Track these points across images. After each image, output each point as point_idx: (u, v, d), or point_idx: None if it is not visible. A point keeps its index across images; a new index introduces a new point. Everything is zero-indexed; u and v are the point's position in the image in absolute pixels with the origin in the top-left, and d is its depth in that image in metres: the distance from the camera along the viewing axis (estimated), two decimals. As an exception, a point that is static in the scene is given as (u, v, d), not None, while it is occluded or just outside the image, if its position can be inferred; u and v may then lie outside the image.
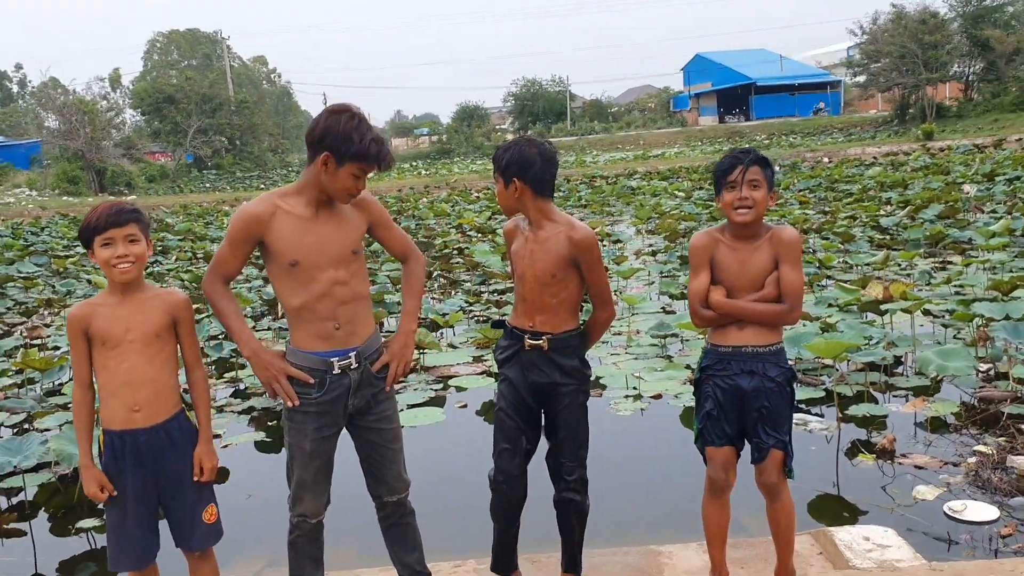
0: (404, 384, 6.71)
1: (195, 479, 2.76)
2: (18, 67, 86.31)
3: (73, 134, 39.64)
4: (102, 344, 2.68)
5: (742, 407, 2.89)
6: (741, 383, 2.87)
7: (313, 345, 2.75)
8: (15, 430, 5.97)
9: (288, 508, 2.89)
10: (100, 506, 2.78)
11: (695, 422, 3.02)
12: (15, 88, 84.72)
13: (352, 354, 2.78)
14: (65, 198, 35.68)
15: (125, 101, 50.92)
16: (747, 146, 2.96)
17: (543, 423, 3.09)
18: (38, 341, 8.87)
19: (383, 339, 2.95)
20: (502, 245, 12.19)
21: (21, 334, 9.44)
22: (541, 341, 2.96)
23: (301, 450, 2.81)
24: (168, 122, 49.29)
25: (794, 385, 2.97)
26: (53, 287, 12.77)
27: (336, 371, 2.76)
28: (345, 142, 2.63)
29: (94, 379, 2.74)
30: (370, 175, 2.74)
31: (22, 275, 14.00)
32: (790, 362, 3.00)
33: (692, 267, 2.97)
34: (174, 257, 15.61)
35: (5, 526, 4.62)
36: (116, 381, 2.68)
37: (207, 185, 45.12)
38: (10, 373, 6.94)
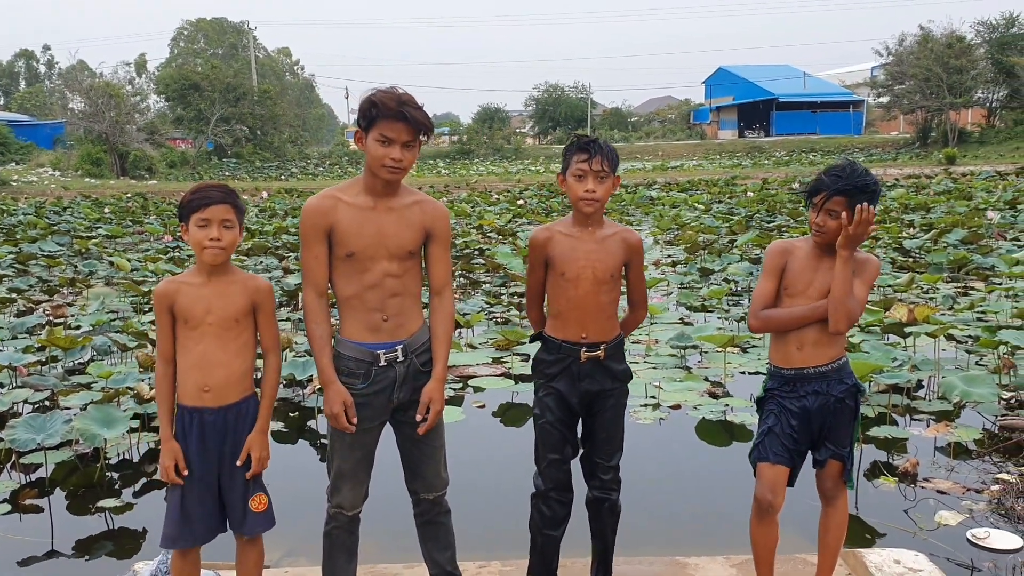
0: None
1: (239, 464, 2.75)
2: (46, 48, 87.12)
3: (98, 117, 39.86)
4: (184, 323, 2.71)
5: (808, 426, 2.89)
6: (807, 404, 2.87)
7: (361, 336, 2.75)
8: (37, 407, 6.01)
9: (326, 499, 2.88)
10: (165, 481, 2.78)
11: (755, 437, 3.01)
12: (42, 69, 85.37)
13: (399, 347, 2.77)
14: (87, 179, 35.93)
15: (150, 87, 51.25)
16: (855, 163, 2.92)
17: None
18: (61, 320, 8.93)
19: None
20: (524, 247, 12.20)
21: (44, 312, 9.50)
22: (599, 352, 2.97)
23: (342, 440, 2.80)
24: (191, 109, 49.55)
25: (859, 398, 2.96)
26: (75, 267, 12.84)
27: (383, 363, 2.75)
28: (367, 108, 2.62)
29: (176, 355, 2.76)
30: (406, 141, 2.64)
31: (45, 253, 14.08)
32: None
33: (762, 271, 2.98)
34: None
35: (23, 502, 4.64)
36: (190, 360, 2.71)
37: (226, 173, 45.27)
38: (33, 350, 6.97)
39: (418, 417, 2.80)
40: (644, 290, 3.16)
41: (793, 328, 2.86)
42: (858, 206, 2.71)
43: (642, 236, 3.42)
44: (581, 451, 3.11)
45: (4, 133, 43.98)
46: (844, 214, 2.74)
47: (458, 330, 8.33)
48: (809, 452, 2.96)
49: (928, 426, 5.55)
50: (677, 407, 6.01)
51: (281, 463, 5.39)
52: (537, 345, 3.14)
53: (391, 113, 2.59)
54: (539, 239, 3.01)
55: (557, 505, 3.04)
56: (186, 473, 2.71)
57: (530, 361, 3.26)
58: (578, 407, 3.02)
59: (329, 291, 2.79)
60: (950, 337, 7.38)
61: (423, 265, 2.88)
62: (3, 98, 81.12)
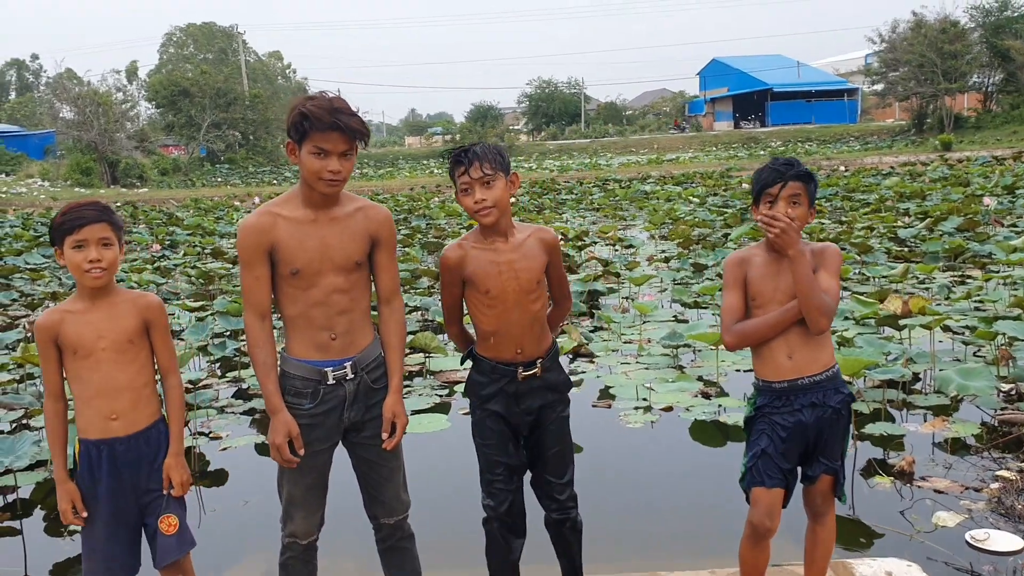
0: (409, 389, 6.58)
1: (164, 492, 2.62)
2: (34, 57, 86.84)
3: (87, 125, 39.69)
4: (73, 353, 2.55)
5: (803, 441, 2.74)
6: (803, 418, 2.70)
7: (307, 353, 2.61)
8: (13, 426, 5.87)
9: (280, 528, 2.75)
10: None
11: (744, 460, 2.84)
12: (31, 78, 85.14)
13: (348, 364, 2.62)
14: (77, 189, 35.72)
15: (141, 93, 51.05)
16: (790, 157, 2.80)
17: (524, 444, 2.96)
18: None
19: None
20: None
21: (24, 327, 9.35)
22: (535, 370, 2.82)
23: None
24: (182, 115, 49.33)
25: (851, 407, 2.83)
26: (59, 279, 12.66)
27: (331, 381, 2.61)
28: (299, 121, 2.47)
29: (66, 389, 2.62)
30: (343, 151, 2.50)
31: (29, 266, 13.92)
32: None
33: (724, 286, 2.82)
34: (182, 252, 15.51)
35: (-1, 524, 4.53)
36: (90, 390, 2.55)
37: (219, 179, 45.11)
38: (10, 368, 6.84)
39: (384, 435, 2.66)
40: (566, 284, 3.00)
41: (771, 336, 2.71)
42: (779, 213, 2.63)
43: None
44: (530, 473, 2.97)
45: (-7, 144, 43.78)
46: (791, 210, 2.64)
47: (445, 334, 8.19)
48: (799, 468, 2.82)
49: (925, 421, 5.41)
50: (669, 409, 5.87)
51: (265, 478, 5.27)
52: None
53: (324, 124, 2.44)
54: (452, 259, 2.82)
55: (509, 529, 2.91)
56: (85, 515, 2.58)
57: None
58: (520, 427, 2.87)
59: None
60: (946, 328, 7.23)
61: (371, 275, 2.73)
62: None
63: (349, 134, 2.49)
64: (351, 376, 2.64)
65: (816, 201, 2.79)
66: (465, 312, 2.95)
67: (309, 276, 2.56)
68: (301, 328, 2.61)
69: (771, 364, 2.74)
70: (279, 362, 2.67)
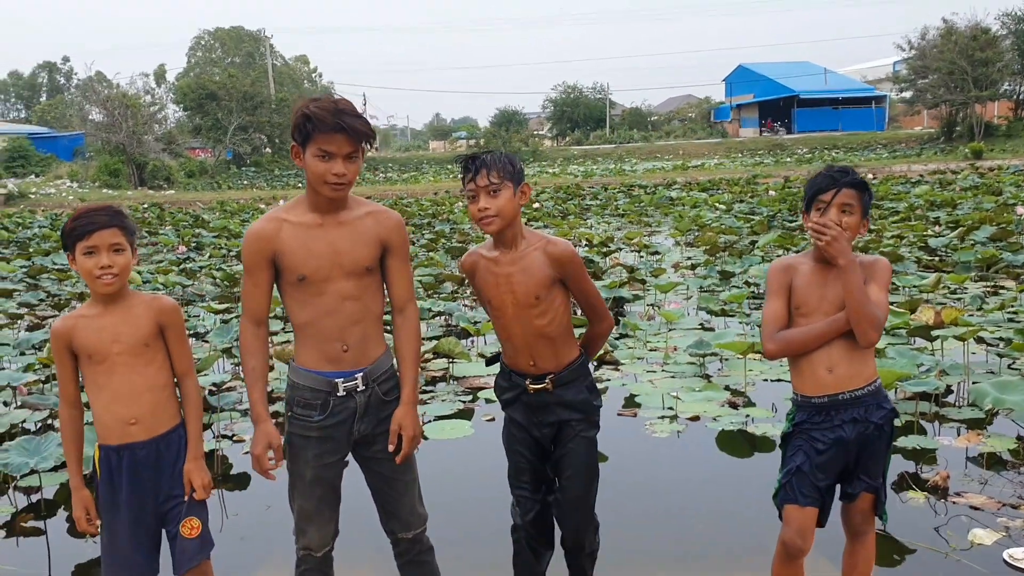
0: (432, 394, 6.54)
1: (185, 497, 2.60)
2: (65, 59, 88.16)
3: (115, 127, 40.14)
4: (88, 359, 2.53)
5: (843, 458, 2.65)
6: (844, 434, 2.61)
7: (317, 364, 2.55)
8: (39, 426, 5.89)
9: (294, 540, 2.71)
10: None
11: (779, 476, 2.77)
12: (62, 80, 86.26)
13: (359, 375, 2.57)
14: (105, 191, 36.09)
15: (169, 96, 51.53)
16: (846, 165, 2.72)
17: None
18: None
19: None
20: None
21: (50, 328, 9.39)
22: (545, 384, 2.76)
23: (302, 478, 2.62)
24: (209, 118, 49.78)
25: (894, 423, 2.74)
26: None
27: (341, 393, 2.55)
28: (302, 123, 2.43)
29: (82, 396, 2.60)
30: (348, 153, 2.45)
31: (56, 267, 14.02)
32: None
33: (768, 292, 2.75)
34: (208, 254, 15.59)
35: (23, 524, 4.51)
36: (107, 396, 2.53)
37: (245, 182, 45.43)
38: (36, 368, 6.86)
39: (390, 447, 2.60)
40: (596, 299, 2.89)
41: (814, 346, 2.62)
42: (830, 221, 2.55)
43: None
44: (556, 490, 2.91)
45: (24, 146, 44.33)
46: (843, 219, 2.55)
47: (469, 339, 8.15)
48: (838, 485, 2.74)
49: (959, 435, 5.29)
50: (696, 418, 5.79)
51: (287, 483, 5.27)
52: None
53: (328, 126, 2.39)
54: (465, 265, 2.83)
55: (535, 539, 2.85)
56: (98, 523, 2.57)
57: None
58: (542, 439, 2.81)
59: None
60: (980, 340, 7.10)
61: (384, 282, 2.67)
62: (25, 111, 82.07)
63: (353, 136, 2.43)
64: (362, 388, 2.58)
65: (868, 216, 2.70)
66: None
67: (317, 282, 2.51)
68: (311, 338, 2.56)
69: (811, 378, 2.66)
70: (288, 372, 2.63)
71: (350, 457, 2.75)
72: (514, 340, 2.76)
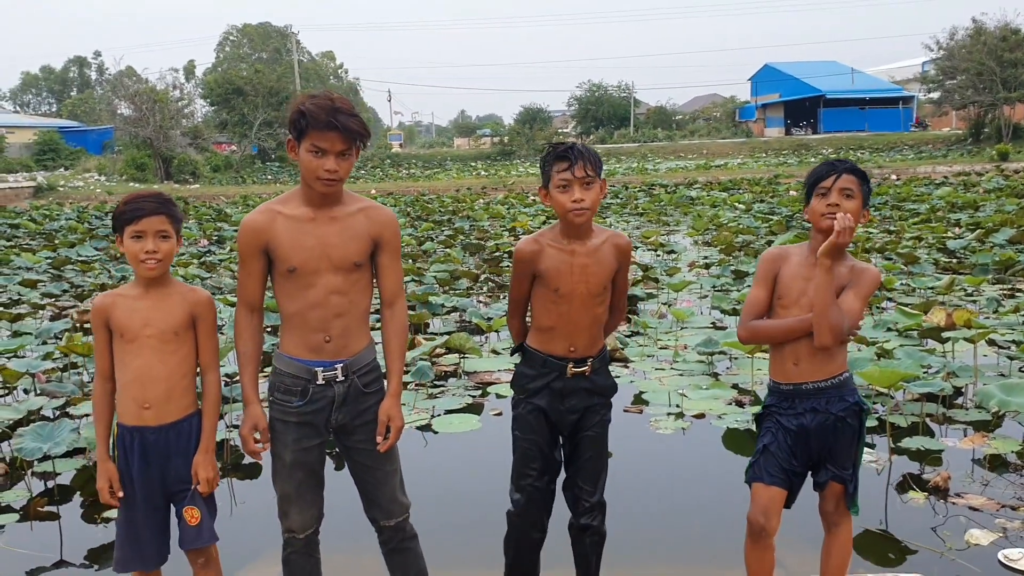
0: (443, 388, 6.62)
1: (192, 488, 2.68)
2: (96, 54, 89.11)
3: (143, 122, 40.58)
4: (120, 337, 2.63)
5: (807, 445, 2.71)
6: (805, 421, 2.69)
7: (299, 352, 2.63)
8: (56, 413, 6.02)
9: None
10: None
11: (752, 455, 2.85)
12: (93, 75, 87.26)
13: (339, 366, 2.63)
14: (132, 184, 36.52)
15: (197, 91, 51.99)
16: (844, 158, 2.79)
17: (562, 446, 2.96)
18: (87, 325, 8.98)
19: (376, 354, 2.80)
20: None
21: (72, 318, 9.58)
22: (586, 367, 2.82)
23: (282, 461, 2.69)
24: (235, 113, 50.15)
25: (863, 418, 2.77)
26: (109, 272, 12.97)
27: (320, 381, 2.62)
28: (297, 118, 2.49)
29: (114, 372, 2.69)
30: (341, 151, 2.50)
31: (80, 258, 14.25)
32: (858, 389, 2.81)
33: (755, 279, 2.82)
34: (228, 247, 15.76)
35: (39, 508, 4.63)
36: (128, 375, 2.62)
37: (269, 177, 45.79)
38: (55, 356, 7.00)
39: (378, 438, 2.66)
40: (626, 295, 3.01)
41: (783, 340, 2.69)
42: (839, 215, 2.56)
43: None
44: (564, 475, 2.96)
45: (55, 139, 44.98)
46: (839, 216, 2.58)
47: (483, 335, 8.21)
48: (809, 473, 2.79)
49: (964, 436, 5.29)
50: (701, 416, 5.82)
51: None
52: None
53: (322, 123, 2.44)
54: (526, 252, 2.82)
55: (533, 525, 2.91)
56: (121, 495, 2.64)
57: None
58: (560, 426, 2.87)
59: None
60: (991, 343, 7.07)
61: (373, 277, 2.73)
62: (56, 105, 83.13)
63: (347, 134, 2.48)
64: (341, 378, 2.64)
65: (869, 206, 2.74)
66: None
67: (306, 275, 2.57)
68: (296, 327, 2.63)
69: (779, 367, 2.75)
70: (272, 358, 2.71)
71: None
72: (566, 327, 2.80)
